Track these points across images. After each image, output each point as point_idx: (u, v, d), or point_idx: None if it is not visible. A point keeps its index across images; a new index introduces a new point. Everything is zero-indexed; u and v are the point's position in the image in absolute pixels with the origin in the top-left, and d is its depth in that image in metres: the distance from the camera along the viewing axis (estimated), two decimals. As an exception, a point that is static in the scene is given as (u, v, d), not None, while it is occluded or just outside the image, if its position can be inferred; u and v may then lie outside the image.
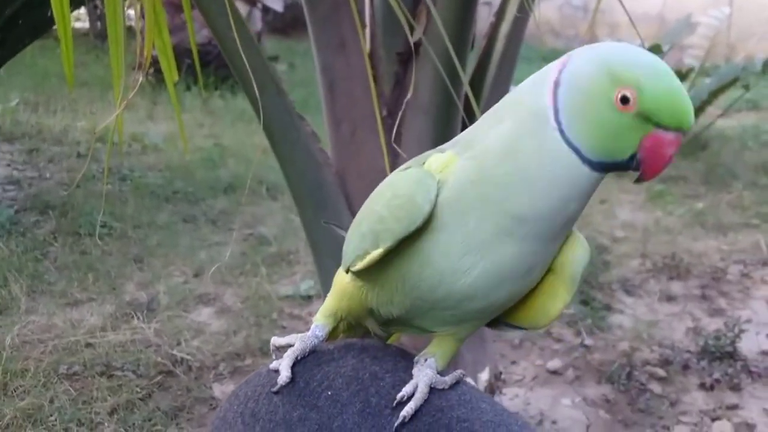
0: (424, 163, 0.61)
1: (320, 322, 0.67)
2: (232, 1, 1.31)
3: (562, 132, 0.55)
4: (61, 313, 2.47)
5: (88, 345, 2.29)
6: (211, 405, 2.10)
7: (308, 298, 2.76)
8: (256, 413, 0.59)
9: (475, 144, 0.59)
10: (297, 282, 2.87)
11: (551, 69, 0.57)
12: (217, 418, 0.62)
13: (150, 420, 1.98)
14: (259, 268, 2.91)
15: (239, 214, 3.53)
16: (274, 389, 0.60)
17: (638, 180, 0.58)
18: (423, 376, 0.60)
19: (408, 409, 0.56)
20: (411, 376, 0.60)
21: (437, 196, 0.58)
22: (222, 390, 2.16)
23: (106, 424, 1.94)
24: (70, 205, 3.30)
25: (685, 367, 2.41)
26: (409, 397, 0.58)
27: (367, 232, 0.62)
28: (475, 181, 0.57)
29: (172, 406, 2.06)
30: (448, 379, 0.61)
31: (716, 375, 2.34)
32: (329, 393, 0.58)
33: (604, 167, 0.56)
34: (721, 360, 2.42)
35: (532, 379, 2.35)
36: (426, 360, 0.62)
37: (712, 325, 2.68)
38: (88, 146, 4.26)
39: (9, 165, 3.91)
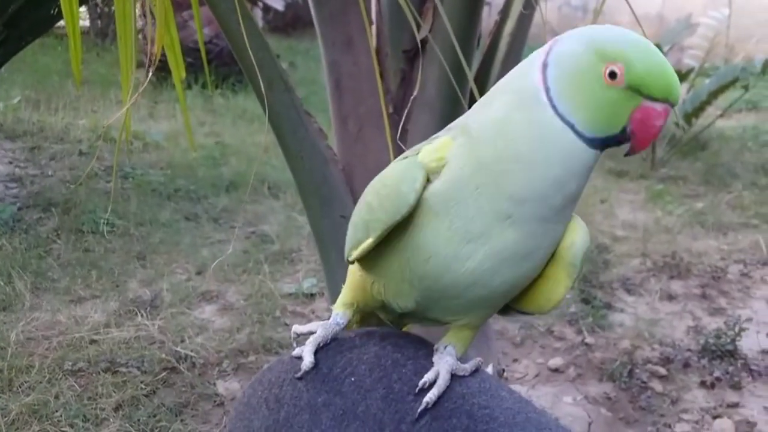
0: (418, 153, 0.62)
1: (340, 310, 0.68)
2: (241, -2, 1.31)
3: (555, 109, 0.56)
4: (65, 309, 2.47)
5: (93, 341, 2.30)
6: (215, 401, 2.11)
7: (311, 296, 2.77)
8: (280, 399, 0.60)
9: (469, 128, 0.60)
10: (299, 280, 2.88)
11: (539, 53, 0.59)
12: (240, 404, 0.63)
13: (155, 416, 1.99)
14: (261, 266, 2.92)
15: (241, 212, 3.54)
16: (298, 375, 0.61)
17: (629, 153, 0.59)
18: (444, 363, 0.61)
19: (431, 395, 0.57)
20: (432, 364, 0.61)
21: (426, 184, 0.59)
22: (226, 387, 2.17)
23: (111, 419, 1.95)
24: (73, 203, 3.30)
25: (686, 365, 2.42)
26: (431, 384, 0.59)
27: (358, 222, 0.64)
28: (470, 166, 0.58)
29: (177, 402, 2.07)
30: (469, 366, 0.62)
31: (717, 373, 2.36)
32: (353, 379, 0.59)
33: (597, 142, 0.57)
34: (721, 358, 2.43)
35: (534, 376, 2.36)
36: (446, 348, 0.63)
37: (713, 324, 2.69)
38: (90, 144, 4.26)
39: (11, 162, 3.91)
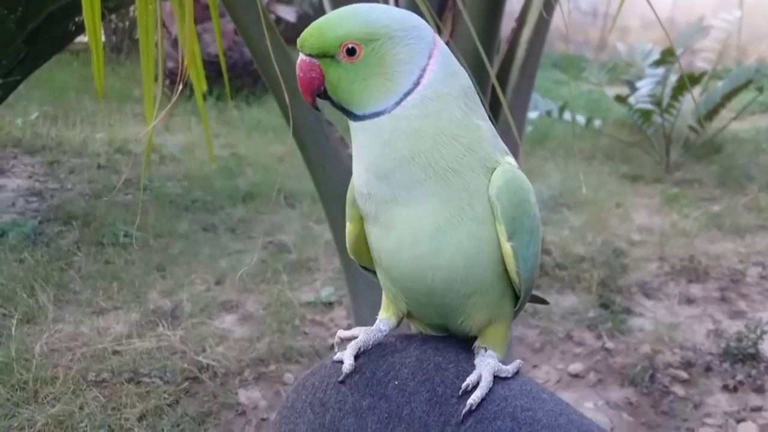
0: None
1: (383, 316, 0.69)
2: (265, 8, 1.33)
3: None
4: (87, 321, 2.49)
5: (116, 352, 2.32)
6: (237, 410, 2.12)
7: (329, 305, 2.78)
8: (325, 402, 0.61)
9: None
10: (318, 289, 2.89)
11: None
12: (284, 408, 0.64)
13: (178, 425, 2.00)
14: (279, 276, 2.94)
15: (258, 222, 3.55)
16: (340, 378, 0.62)
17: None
18: (486, 365, 0.61)
19: (475, 398, 0.58)
20: (473, 366, 0.62)
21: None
22: (247, 395, 2.18)
23: (135, 430, 1.97)
24: (93, 216, 3.34)
25: (708, 369, 2.41)
26: (474, 386, 0.60)
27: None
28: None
29: (200, 411, 2.08)
30: (511, 368, 0.63)
31: (739, 377, 2.34)
32: (396, 383, 0.60)
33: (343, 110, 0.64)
34: (743, 362, 2.42)
35: (555, 382, 2.36)
36: (486, 350, 0.64)
37: (733, 327, 2.67)
38: (108, 157, 4.31)
39: (31, 177, 3.96)
